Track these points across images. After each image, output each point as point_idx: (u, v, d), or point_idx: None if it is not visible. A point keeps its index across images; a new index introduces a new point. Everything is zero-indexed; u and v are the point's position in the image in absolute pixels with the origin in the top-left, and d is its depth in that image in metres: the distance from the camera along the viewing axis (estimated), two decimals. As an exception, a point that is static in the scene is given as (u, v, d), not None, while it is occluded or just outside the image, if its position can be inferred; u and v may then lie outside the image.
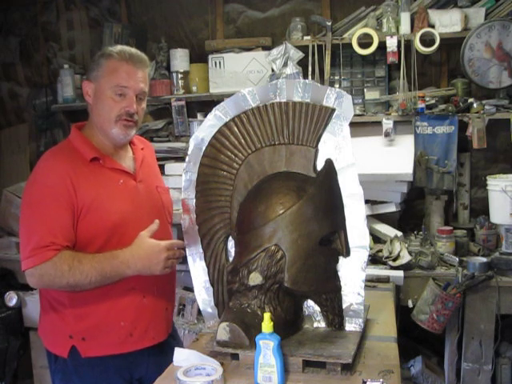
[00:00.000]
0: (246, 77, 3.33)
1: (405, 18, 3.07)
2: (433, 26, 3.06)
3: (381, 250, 2.86)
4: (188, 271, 1.77)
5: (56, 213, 1.66)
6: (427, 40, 3.05)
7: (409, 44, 3.06)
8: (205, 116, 1.79)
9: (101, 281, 1.66)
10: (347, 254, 1.61)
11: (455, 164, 3.07)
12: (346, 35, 3.19)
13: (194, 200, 1.72)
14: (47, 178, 1.69)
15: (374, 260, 2.83)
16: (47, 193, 1.67)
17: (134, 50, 1.79)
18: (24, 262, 1.65)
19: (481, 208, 3.21)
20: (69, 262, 1.63)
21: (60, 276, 1.62)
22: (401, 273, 2.66)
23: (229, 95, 1.84)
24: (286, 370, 1.42)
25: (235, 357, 1.52)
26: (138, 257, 1.67)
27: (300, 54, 3.16)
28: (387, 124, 3.05)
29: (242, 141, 1.69)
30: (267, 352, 1.39)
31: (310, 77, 3.18)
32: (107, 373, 1.76)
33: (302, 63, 3.20)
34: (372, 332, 1.71)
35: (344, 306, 1.63)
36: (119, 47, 1.79)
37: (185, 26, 3.75)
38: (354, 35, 3.10)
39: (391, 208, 3.11)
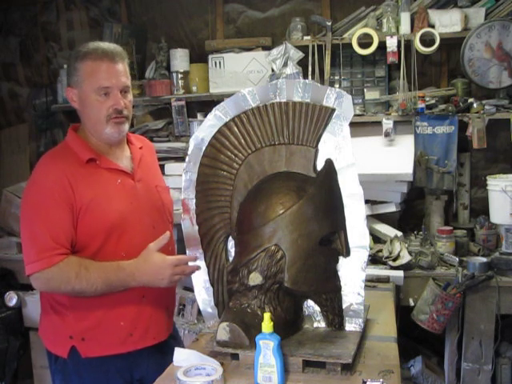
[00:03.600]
0: (246, 77, 3.33)
1: (405, 18, 3.07)
2: (433, 26, 3.06)
3: (381, 250, 2.86)
4: (188, 271, 1.77)
5: (56, 214, 1.66)
6: (427, 40, 3.05)
7: (409, 44, 3.06)
8: (205, 116, 1.79)
9: (106, 290, 1.67)
10: (347, 254, 1.61)
11: (455, 164, 3.07)
12: (346, 35, 3.19)
13: (194, 200, 1.72)
14: (45, 180, 1.69)
15: (374, 260, 2.83)
16: (46, 194, 1.67)
17: (107, 45, 1.76)
18: (29, 266, 1.65)
19: (481, 208, 3.21)
20: (76, 269, 1.63)
21: (66, 282, 1.63)
22: (401, 273, 2.66)
23: (229, 95, 1.84)
24: (286, 370, 1.42)
25: (235, 357, 1.52)
26: (144, 271, 1.67)
27: (300, 54, 3.16)
28: (387, 124, 3.05)
29: (242, 141, 1.69)
30: (267, 352, 1.39)
31: (310, 77, 3.18)
32: (107, 373, 1.76)
33: (302, 63, 3.20)
34: (372, 332, 1.71)
35: (344, 306, 1.63)
36: (91, 46, 1.75)
37: (185, 26, 3.75)
38: (354, 35, 3.10)
39: (391, 208, 3.11)
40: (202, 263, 1.74)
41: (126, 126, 1.80)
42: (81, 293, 1.66)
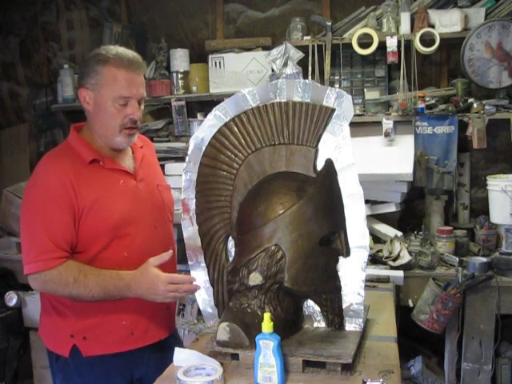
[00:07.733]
0: (246, 77, 3.33)
1: (405, 18, 3.07)
2: (433, 26, 3.06)
3: (381, 250, 2.86)
4: (188, 271, 1.77)
5: (57, 216, 1.66)
6: (427, 40, 3.06)
7: (409, 44, 3.06)
8: (205, 116, 1.79)
9: (103, 297, 1.67)
10: (347, 253, 1.62)
11: (455, 164, 3.07)
12: (346, 35, 3.19)
13: (194, 200, 1.72)
14: (47, 181, 1.68)
15: (374, 260, 2.83)
16: (47, 195, 1.67)
17: (131, 54, 1.73)
18: (27, 267, 1.65)
19: (481, 208, 3.21)
20: (74, 275, 1.63)
21: (64, 286, 1.63)
22: (401, 273, 2.66)
23: (229, 95, 1.83)
24: (286, 370, 1.42)
25: (235, 357, 1.52)
26: (139, 284, 1.66)
27: (300, 54, 3.16)
28: (387, 124, 3.05)
29: (242, 141, 1.69)
30: (267, 352, 1.39)
31: (309, 77, 3.18)
32: (108, 372, 1.76)
33: (302, 63, 3.20)
34: (372, 332, 1.71)
35: (344, 306, 1.63)
36: (114, 51, 1.72)
37: (185, 26, 3.76)
38: (354, 35, 3.10)
39: (391, 208, 3.11)
40: (202, 263, 1.74)
41: (136, 136, 1.81)
42: (77, 298, 1.66)
